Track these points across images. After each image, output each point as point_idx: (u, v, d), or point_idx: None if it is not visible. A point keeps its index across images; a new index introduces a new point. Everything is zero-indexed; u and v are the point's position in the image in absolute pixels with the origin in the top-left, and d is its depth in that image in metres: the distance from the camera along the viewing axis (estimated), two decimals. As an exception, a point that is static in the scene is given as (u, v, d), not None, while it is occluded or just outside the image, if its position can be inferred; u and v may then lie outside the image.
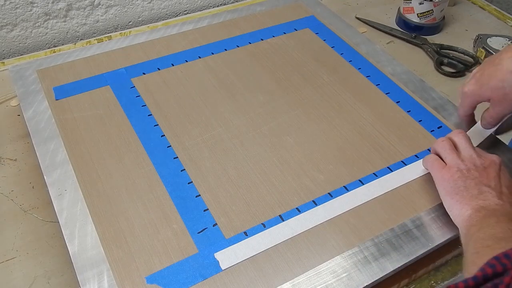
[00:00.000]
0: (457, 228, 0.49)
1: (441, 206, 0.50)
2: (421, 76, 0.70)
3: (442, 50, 0.80)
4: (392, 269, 0.46)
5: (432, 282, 0.50)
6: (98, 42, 0.75)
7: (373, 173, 0.54)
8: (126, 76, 0.65)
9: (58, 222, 0.48)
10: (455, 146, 0.50)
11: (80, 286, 0.43)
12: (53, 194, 0.50)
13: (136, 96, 0.62)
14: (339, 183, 0.53)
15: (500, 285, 0.31)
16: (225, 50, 0.71)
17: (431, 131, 0.59)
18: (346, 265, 0.45)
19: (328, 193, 0.52)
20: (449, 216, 0.49)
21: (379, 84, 0.66)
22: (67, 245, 0.46)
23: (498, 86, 0.50)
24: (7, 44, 0.79)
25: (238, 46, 0.72)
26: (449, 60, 0.78)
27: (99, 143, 0.56)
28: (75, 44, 0.79)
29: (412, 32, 0.83)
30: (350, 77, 0.67)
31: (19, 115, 0.65)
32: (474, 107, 0.56)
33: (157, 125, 0.58)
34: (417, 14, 0.83)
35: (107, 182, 0.52)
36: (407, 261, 0.46)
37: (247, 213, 0.49)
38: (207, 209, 0.50)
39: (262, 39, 0.73)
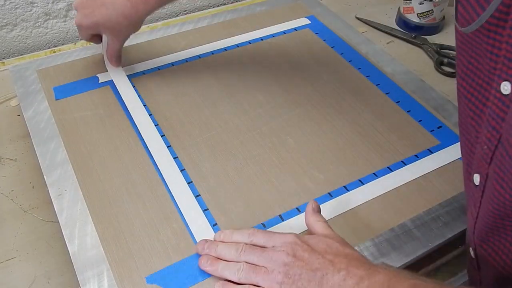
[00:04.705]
0: (457, 228, 0.49)
1: (441, 206, 0.50)
2: (421, 76, 0.70)
3: (442, 50, 0.80)
4: (392, 269, 0.46)
5: (432, 282, 0.50)
6: (98, 42, 0.75)
7: (373, 173, 0.54)
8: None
9: (58, 222, 0.48)
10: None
11: (80, 286, 0.43)
12: (53, 194, 0.50)
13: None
14: (339, 183, 0.53)
15: None
16: (225, 50, 0.71)
17: (431, 131, 0.59)
18: (346, 265, 0.45)
19: (328, 193, 0.52)
20: (449, 216, 0.49)
21: (379, 84, 0.66)
22: (67, 245, 0.46)
23: None
24: (7, 44, 0.79)
25: (238, 46, 0.72)
26: (449, 60, 0.78)
27: (99, 143, 0.56)
28: (75, 44, 0.79)
29: (412, 32, 0.83)
30: (350, 77, 0.67)
31: (19, 115, 0.65)
32: None
33: (157, 125, 0.58)
34: (417, 14, 0.82)
35: (107, 182, 0.52)
36: (407, 261, 0.46)
37: (247, 213, 0.49)
38: (207, 209, 0.50)
39: (262, 39, 0.73)
